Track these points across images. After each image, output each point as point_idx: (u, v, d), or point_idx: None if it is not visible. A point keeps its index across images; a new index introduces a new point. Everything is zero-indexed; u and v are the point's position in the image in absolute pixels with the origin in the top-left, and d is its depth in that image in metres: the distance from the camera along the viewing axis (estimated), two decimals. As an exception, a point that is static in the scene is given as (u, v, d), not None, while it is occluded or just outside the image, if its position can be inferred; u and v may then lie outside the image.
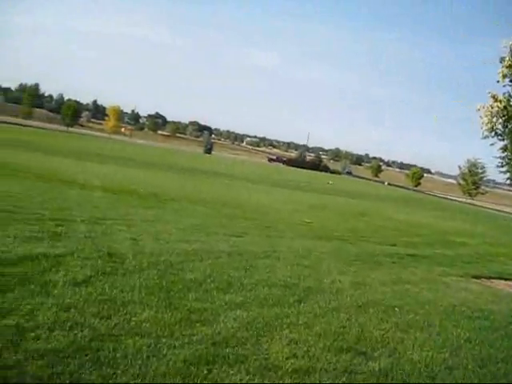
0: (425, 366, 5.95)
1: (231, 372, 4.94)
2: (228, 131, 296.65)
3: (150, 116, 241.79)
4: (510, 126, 13.17)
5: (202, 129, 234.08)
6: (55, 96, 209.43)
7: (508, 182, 14.80)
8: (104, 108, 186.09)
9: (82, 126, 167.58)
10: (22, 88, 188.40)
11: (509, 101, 13.05)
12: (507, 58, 12.97)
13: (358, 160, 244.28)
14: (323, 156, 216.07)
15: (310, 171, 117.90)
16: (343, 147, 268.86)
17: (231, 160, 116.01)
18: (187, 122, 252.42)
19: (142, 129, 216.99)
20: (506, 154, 13.64)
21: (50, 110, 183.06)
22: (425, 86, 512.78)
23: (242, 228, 14.49)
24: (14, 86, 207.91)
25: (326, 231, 17.21)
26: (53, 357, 4.65)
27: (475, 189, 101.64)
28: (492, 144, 13.64)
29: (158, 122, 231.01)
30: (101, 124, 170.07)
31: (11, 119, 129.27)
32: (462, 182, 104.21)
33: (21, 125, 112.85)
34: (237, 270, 9.02)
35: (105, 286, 6.84)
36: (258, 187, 39.65)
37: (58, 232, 9.72)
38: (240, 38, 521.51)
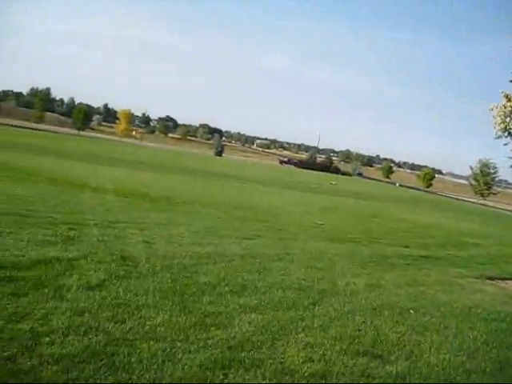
0: (442, 370, 5.87)
1: (247, 377, 4.89)
2: (238, 133, 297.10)
3: (160, 119, 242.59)
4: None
5: (212, 131, 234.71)
6: (66, 100, 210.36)
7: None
8: (115, 111, 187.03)
9: (93, 129, 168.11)
10: (34, 92, 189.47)
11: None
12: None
13: (369, 161, 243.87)
14: (334, 158, 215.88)
15: (320, 173, 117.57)
16: (354, 149, 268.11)
17: (242, 162, 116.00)
18: (198, 125, 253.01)
19: (152, 132, 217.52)
20: (518, 154, 13.48)
21: (62, 114, 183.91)
22: (436, 86, 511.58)
23: (254, 230, 14.44)
24: (25, 90, 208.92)
25: (338, 233, 17.13)
26: (68, 362, 4.62)
27: (487, 189, 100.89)
28: (505, 144, 13.50)
29: (168, 124, 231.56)
30: (112, 127, 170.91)
31: (23, 123, 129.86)
32: (473, 182, 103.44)
33: (32, 129, 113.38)
34: (250, 272, 8.97)
35: (119, 290, 6.81)
36: (268, 189, 39.60)
37: (70, 236, 9.70)
38: (250, 40, 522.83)
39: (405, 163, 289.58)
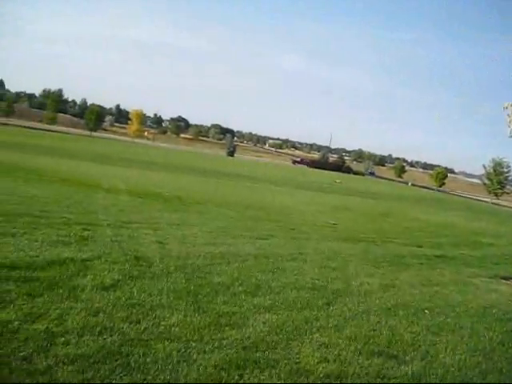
0: (458, 370, 5.82)
1: (262, 377, 4.87)
2: (250, 133, 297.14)
3: (172, 119, 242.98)
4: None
5: (224, 131, 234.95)
6: (79, 101, 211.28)
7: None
8: (127, 112, 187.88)
9: (105, 130, 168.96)
10: (46, 94, 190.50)
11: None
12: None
13: (381, 161, 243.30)
14: (346, 157, 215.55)
15: (332, 172, 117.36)
16: (366, 148, 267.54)
17: (254, 162, 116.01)
18: (209, 125, 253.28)
19: (164, 132, 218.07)
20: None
21: (74, 115, 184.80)
22: (448, 85, 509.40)
23: (267, 230, 14.42)
24: (38, 91, 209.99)
25: (351, 233, 17.07)
26: (83, 362, 4.62)
27: (500, 188, 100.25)
28: (520, 143, 13.39)
29: (180, 125, 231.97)
30: (124, 128, 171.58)
31: (36, 124, 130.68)
32: (487, 181, 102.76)
33: (45, 130, 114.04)
34: (264, 272, 8.94)
35: (133, 290, 6.80)
36: (281, 189, 39.61)
37: (84, 236, 9.72)
38: (262, 41, 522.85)
39: (417, 162, 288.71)
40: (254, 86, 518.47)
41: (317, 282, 8.89)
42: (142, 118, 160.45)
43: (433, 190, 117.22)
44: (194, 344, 5.36)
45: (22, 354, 4.60)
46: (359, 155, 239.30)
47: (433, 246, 16.50)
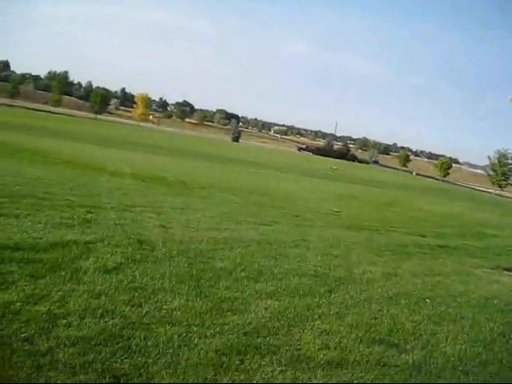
0: (458, 360, 5.82)
1: (263, 363, 4.88)
2: (255, 119, 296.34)
3: (177, 104, 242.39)
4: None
5: (229, 117, 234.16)
6: (84, 84, 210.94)
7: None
8: (132, 96, 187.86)
9: (110, 113, 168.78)
10: (52, 76, 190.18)
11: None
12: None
13: (386, 149, 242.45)
14: (351, 145, 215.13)
15: (337, 160, 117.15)
16: (371, 136, 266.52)
17: (259, 148, 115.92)
18: (215, 110, 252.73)
19: (169, 116, 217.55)
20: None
21: (79, 98, 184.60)
22: (453, 75, 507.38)
23: (271, 217, 14.41)
24: (43, 73, 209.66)
25: (354, 221, 17.06)
26: (84, 344, 4.64)
27: (505, 180, 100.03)
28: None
29: (185, 109, 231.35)
30: (129, 112, 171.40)
31: (41, 106, 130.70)
32: (491, 172, 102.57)
33: (50, 112, 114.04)
34: (267, 258, 8.95)
35: (135, 274, 6.81)
36: (286, 176, 39.56)
37: (88, 219, 9.72)
38: (268, 26, 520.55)
39: (422, 152, 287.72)
40: (259, 71, 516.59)
41: (319, 269, 8.89)
42: (148, 102, 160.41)
43: (437, 179, 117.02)
44: (195, 328, 5.37)
45: (23, 335, 4.61)
46: (364, 143, 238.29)
47: (436, 235, 16.48)
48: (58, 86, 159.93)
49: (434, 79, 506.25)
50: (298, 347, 5.38)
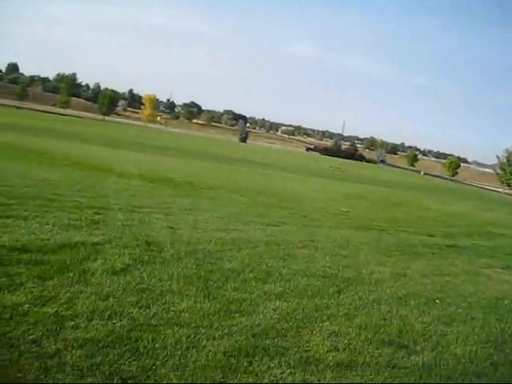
0: (469, 362, 5.77)
1: (272, 364, 4.85)
2: (263, 120, 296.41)
3: (185, 105, 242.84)
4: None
5: (237, 117, 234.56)
6: (92, 85, 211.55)
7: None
8: (140, 97, 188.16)
9: (118, 114, 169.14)
10: (60, 78, 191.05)
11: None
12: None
13: (394, 149, 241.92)
14: (358, 145, 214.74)
15: (346, 160, 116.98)
16: (378, 136, 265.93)
17: (266, 149, 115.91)
18: (222, 111, 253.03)
19: (177, 117, 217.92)
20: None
21: (87, 99, 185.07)
22: (461, 74, 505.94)
23: (279, 217, 14.37)
24: (51, 75, 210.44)
25: (363, 221, 16.99)
26: (92, 346, 4.62)
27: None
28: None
29: (193, 110, 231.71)
30: (137, 113, 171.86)
31: (49, 108, 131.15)
32: (500, 171, 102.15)
33: (58, 114, 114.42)
34: (275, 259, 8.91)
35: (143, 275, 6.80)
36: (293, 176, 39.51)
37: (95, 220, 9.72)
38: (275, 26, 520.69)
39: (430, 151, 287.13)
40: (266, 72, 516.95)
41: (328, 269, 8.85)
42: (155, 103, 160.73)
43: (445, 179, 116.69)
44: (203, 330, 5.35)
45: (31, 337, 4.61)
46: (371, 143, 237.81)
47: (445, 235, 16.41)
48: (66, 88, 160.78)
49: (441, 78, 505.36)
50: (307, 349, 5.34)
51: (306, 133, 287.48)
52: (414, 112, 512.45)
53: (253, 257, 8.80)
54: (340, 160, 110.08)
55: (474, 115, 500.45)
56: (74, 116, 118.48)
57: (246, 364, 4.77)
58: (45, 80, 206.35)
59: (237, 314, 5.98)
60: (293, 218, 14.69)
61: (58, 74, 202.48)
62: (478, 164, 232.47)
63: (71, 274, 6.34)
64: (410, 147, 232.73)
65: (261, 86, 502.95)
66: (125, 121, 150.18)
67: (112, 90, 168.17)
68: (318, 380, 4.77)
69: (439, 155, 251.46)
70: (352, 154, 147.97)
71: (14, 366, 4.14)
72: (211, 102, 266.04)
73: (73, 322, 5.01)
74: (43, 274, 6.20)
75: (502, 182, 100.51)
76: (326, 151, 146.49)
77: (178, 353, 4.77)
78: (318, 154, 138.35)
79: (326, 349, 5.40)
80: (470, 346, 6.26)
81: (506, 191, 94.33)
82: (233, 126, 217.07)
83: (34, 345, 4.49)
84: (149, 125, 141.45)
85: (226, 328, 5.50)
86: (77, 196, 12.19)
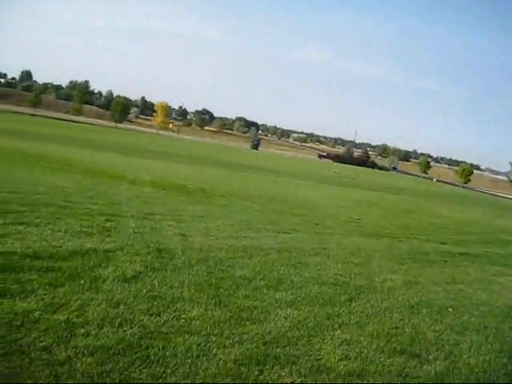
0: (483, 371, 5.71)
1: (282, 373, 4.81)
2: (275, 127, 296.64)
3: (197, 112, 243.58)
4: None
5: (249, 124, 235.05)
6: (104, 93, 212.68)
7: None
8: (152, 104, 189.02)
9: (130, 122, 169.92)
10: (73, 85, 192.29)
11: None
12: None
13: (406, 156, 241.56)
14: (371, 152, 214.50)
15: (357, 167, 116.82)
16: (391, 143, 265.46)
17: (278, 156, 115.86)
18: (234, 118, 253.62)
19: (189, 125, 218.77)
20: None
21: (100, 107, 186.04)
22: (475, 80, 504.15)
23: (291, 224, 14.34)
24: (64, 83, 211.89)
25: (374, 228, 16.93)
26: (102, 354, 4.60)
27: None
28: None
29: (205, 117, 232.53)
30: (149, 120, 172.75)
31: (62, 115, 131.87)
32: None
33: (71, 121, 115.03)
34: (286, 267, 8.86)
35: (154, 282, 6.78)
36: (305, 183, 39.47)
37: (107, 227, 9.72)
38: (287, 33, 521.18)
39: (442, 158, 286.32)
40: (279, 79, 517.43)
41: (339, 277, 8.80)
42: (167, 110, 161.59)
43: (458, 186, 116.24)
44: (214, 338, 5.32)
45: (41, 344, 4.60)
46: (384, 150, 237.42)
47: (457, 243, 16.33)
48: (79, 96, 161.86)
49: (455, 85, 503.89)
50: (318, 357, 5.30)
51: (318, 140, 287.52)
52: (426, 119, 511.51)
53: (264, 264, 8.76)
54: (352, 167, 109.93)
55: (487, 122, 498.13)
56: (87, 123, 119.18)
57: (256, 373, 4.74)
58: (58, 87, 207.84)
59: (248, 322, 5.94)
60: (304, 225, 14.66)
61: (70, 82, 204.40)
62: (492, 171, 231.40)
63: (82, 281, 6.33)
64: (423, 154, 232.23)
65: (273, 93, 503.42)
66: (137, 128, 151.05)
67: (124, 98, 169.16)
68: (329, 389, 4.74)
69: (452, 162, 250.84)
70: (364, 161, 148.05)
71: (25, 373, 4.13)
72: (223, 109, 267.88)
73: (83, 330, 5.00)
74: (54, 280, 6.19)
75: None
76: (338, 158, 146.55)
77: (189, 361, 4.75)
78: (331, 161, 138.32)
79: (337, 357, 5.36)
80: (483, 355, 6.19)
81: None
82: (245, 133, 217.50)
83: (45, 352, 4.48)
84: (161, 132, 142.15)
85: (237, 336, 5.47)
86: (89, 203, 12.21)
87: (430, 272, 10.67)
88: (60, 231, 8.67)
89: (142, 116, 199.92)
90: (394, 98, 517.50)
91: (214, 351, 5.03)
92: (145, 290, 6.41)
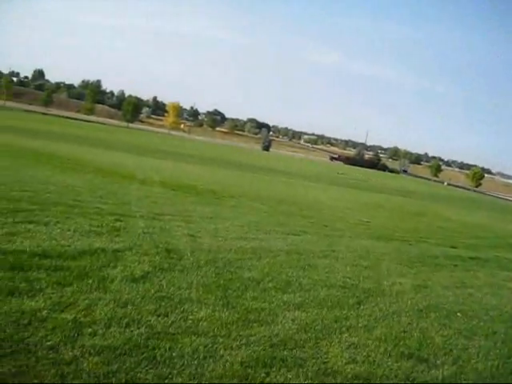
0: (491, 377, 5.67)
1: (289, 376, 4.80)
2: (286, 128, 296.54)
3: (208, 113, 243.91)
4: None
5: (260, 126, 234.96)
6: (116, 92, 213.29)
7: None
8: (164, 104, 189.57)
9: (141, 121, 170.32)
10: (85, 84, 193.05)
11: None
12: None
13: (417, 159, 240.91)
14: (382, 155, 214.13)
15: (367, 170, 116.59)
16: (402, 146, 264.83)
17: (289, 157, 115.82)
18: (245, 119, 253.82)
19: (200, 125, 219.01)
20: None
21: (111, 106, 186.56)
22: (488, 85, 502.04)
23: (300, 226, 14.31)
24: (77, 82, 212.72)
25: (384, 231, 16.89)
26: (109, 354, 4.61)
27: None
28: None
29: (216, 118, 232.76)
30: (160, 120, 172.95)
31: (74, 115, 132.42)
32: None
33: (83, 120, 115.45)
34: (295, 269, 8.85)
35: (162, 283, 6.78)
36: (316, 185, 39.44)
37: (116, 227, 9.73)
38: (299, 35, 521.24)
39: (454, 162, 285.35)
40: (290, 80, 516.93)
41: (348, 280, 8.77)
42: (179, 111, 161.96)
43: (469, 189, 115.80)
44: (221, 340, 5.31)
45: (48, 343, 4.61)
46: (395, 153, 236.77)
47: (467, 247, 16.25)
48: (91, 95, 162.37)
49: (466, 88, 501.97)
50: (325, 360, 5.28)
51: (329, 142, 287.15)
52: (437, 122, 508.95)
53: (273, 266, 8.75)
54: (362, 169, 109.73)
55: (498, 126, 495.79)
56: (98, 122, 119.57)
57: (263, 375, 4.73)
58: (70, 87, 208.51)
59: (255, 324, 5.93)
60: (314, 228, 14.63)
61: (83, 81, 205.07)
62: (503, 175, 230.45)
63: (90, 281, 6.34)
64: (434, 157, 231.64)
65: (284, 94, 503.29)
66: (148, 128, 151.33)
67: (136, 97, 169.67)
68: (336, 392, 4.72)
69: (463, 166, 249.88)
70: (375, 164, 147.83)
71: (31, 372, 4.14)
72: (235, 110, 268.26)
73: (90, 329, 5.01)
74: (63, 280, 6.21)
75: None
76: (349, 160, 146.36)
77: (195, 362, 4.74)
78: (341, 163, 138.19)
79: (344, 361, 5.34)
80: (491, 360, 6.15)
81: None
82: (256, 134, 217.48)
83: (52, 351, 4.49)
84: (172, 132, 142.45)
85: (244, 338, 5.46)
86: (98, 202, 12.23)
87: (439, 276, 10.62)
88: (69, 230, 8.69)
89: (153, 116, 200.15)
90: (406, 100, 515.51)
91: (221, 353, 5.02)
92: (153, 291, 6.41)
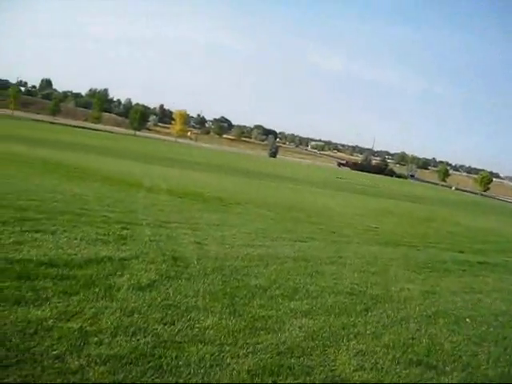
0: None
1: (297, 384, 4.77)
2: (292, 135, 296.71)
3: (215, 120, 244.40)
4: None
5: (266, 132, 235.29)
6: (123, 101, 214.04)
7: None
8: (171, 112, 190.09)
9: (149, 129, 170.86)
10: (92, 93, 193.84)
11: None
12: None
13: (425, 164, 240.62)
14: (389, 160, 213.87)
15: (375, 175, 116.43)
16: (409, 151, 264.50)
17: (296, 164, 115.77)
18: (252, 126, 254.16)
19: (207, 133, 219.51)
20: None
21: (118, 115, 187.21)
22: (495, 88, 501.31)
23: (307, 233, 14.28)
24: (84, 91, 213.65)
25: (392, 236, 16.83)
26: (115, 363, 4.58)
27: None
28: None
29: (223, 125, 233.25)
30: (167, 128, 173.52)
31: (81, 123, 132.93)
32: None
33: (90, 129, 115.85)
34: (302, 276, 8.80)
35: (169, 291, 6.75)
36: (323, 191, 39.39)
37: (123, 235, 9.72)
38: (305, 40, 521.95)
39: (461, 166, 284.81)
40: (296, 87, 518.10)
41: (356, 286, 8.72)
42: (186, 119, 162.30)
43: (477, 194, 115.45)
44: (227, 348, 5.27)
45: (54, 352, 4.58)
46: (402, 158, 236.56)
47: (475, 251, 16.17)
48: (98, 103, 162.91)
49: (473, 92, 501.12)
50: (333, 368, 5.23)
51: (336, 148, 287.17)
52: (445, 127, 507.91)
53: (280, 273, 8.71)
54: (370, 175, 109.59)
55: (505, 130, 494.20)
56: (106, 131, 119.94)
57: (270, 383, 4.70)
58: (77, 95, 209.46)
59: (262, 332, 5.89)
60: (321, 234, 14.59)
61: (90, 90, 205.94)
62: (511, 179, 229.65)
63: (97, 290, 6.32)
64: (442, 162, 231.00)
65: (291, 100, 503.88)
66: (155, 136, 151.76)
67: (143, 106, 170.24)
68: (344, 400, 4.69)
69: (471, 170, 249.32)
70: (382, 169, 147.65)
71: (37, 382, 4.12)
72: (241, 118, 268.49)
73: (97, 338, 4.98)
74: (69, 288, 6.19)
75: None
76: (356, 166, 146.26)
77: (202, 371, 4.71)
78: (348, 169, 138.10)
79: (352, 368, 5.30)
80: (501, 367, 6.09)
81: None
82: (263, 140, 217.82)
83: (58, 360, 4.47)
84: (179, 140, 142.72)
85: (251, 346, 5.42)
86: (105, 211, 12.22)
87: (447, 281, 10.56)
88: (76, 239, 8.67)
89: (160, 124, 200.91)
90: (410, 104, 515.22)
91: (228, 361, 4.99)
92: (159, 299, 6.38)
